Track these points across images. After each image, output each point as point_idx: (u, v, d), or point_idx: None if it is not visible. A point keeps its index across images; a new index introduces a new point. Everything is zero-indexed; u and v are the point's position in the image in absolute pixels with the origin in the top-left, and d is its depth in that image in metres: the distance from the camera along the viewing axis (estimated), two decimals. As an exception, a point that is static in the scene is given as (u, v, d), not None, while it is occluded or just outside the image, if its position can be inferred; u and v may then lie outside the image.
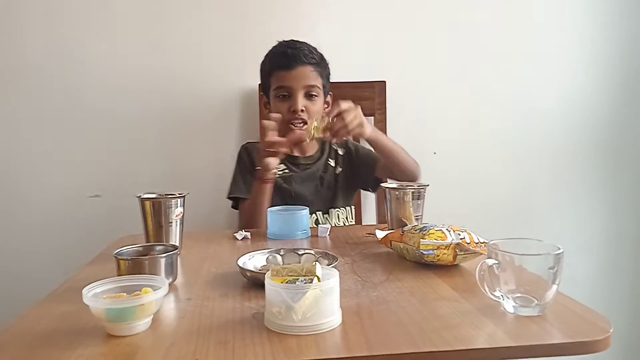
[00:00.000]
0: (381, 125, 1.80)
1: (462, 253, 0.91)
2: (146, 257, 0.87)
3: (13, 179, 1.75)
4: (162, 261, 0.86)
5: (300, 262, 0.93)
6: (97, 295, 0.70)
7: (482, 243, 0.93)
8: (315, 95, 1.49)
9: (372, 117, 1.81)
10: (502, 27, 1.88)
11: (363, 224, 1.75)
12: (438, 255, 0.91)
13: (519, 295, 0.71)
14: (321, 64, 1.51)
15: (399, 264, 0.98)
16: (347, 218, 1.58)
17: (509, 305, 0.72)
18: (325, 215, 1.54)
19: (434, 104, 1.88)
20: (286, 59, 1.47)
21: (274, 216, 1.25)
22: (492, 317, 0.70)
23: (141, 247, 0.93)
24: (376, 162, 1.55)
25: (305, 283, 0.69)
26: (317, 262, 0.76)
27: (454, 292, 0.81)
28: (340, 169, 1.58)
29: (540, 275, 0.71)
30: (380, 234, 1.08)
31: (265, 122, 1.34)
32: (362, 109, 1.77)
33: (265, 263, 0.95)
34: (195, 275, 0.94)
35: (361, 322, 0.70)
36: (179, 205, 1.08)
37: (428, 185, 1.18)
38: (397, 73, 1.83)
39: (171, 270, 0.88)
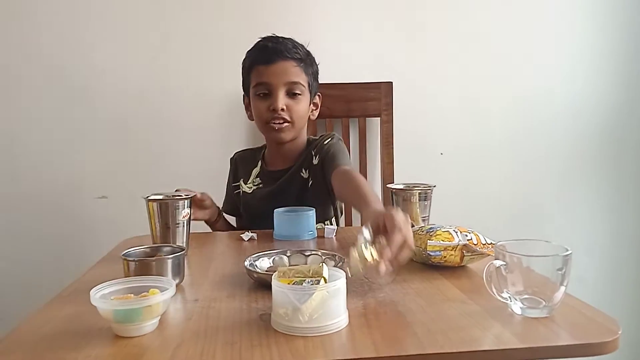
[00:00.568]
0: (388, 126, 1.80)
1: (470, 254, 0.91)
2: (153, 258, 0.87)
3: (19, 181, 1.76)
4: (169, 262, 0.86)
5: (306, 263, 0.93)
6: (104, 297, 0.70)
7: (489, 244, 0.93)
8: (299, 94, 1.35)
9: (379, 118, 1.81)
10: (510, 28, 1.87)
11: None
12: (445, 257, 0.91)
13: (526, 296, 0.71)
14: (306, 60, 1.37)
15: (405, 265, 0.96)
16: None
17: (516, 306, 0.72)
18: None
19: (441, 105, 1.87)
20: (266, 53, 1.34)
21: (280, 217, 1.25)
22: (499, 319, 0.70)
23: (148, 248, 0.93)
24: (331, 166, 1.30)
25: (312, 284, 0.69)
26: (323, 264, 0.76)
27: (461, 294, 0.81)
28: (311, 181, 1.39)
29: (548, 276, 0.71)
30: (386, 235, 1.07)
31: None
32: (368, 110, 1.80)
33: (271, 264, 0.95)
34: (202, 276, 0.94)
35: (368, 323, 0.70)
36: (185, 206, 1.09)
37: (435, 186, 1.18)
38: (404, 74, 1.83)
39: (178, 272, 0.88)
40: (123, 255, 0.87)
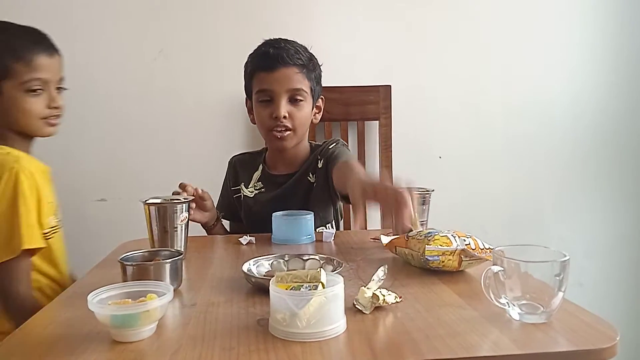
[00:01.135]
0: (386, 129, 1.80)
1: (468, 259, 0.91)
2: (151, 262, 0.87)
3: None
4: (167, 267, 0.86)
5: (304, 268, 0.93)
6: (102, 301, 0.70)
7: (487, 249, 0.93)
8: (301, 100, 1.34)
9: (377, 122, 1.81)
10: (509, 31, 1.88)
11: (368, 229, 1.75)
12: (443, 261, 0.91)
13: (524, 302, 0.71)
14: (309, 65, 1.35)
15: (403, 270, 0.98)
16: None
17: (514, 312, 0.72)
18: None
19: (439, 108, 1.87)
20: (268, 60, 1.32)
21: (278, 221, 1.25)
22: (497, 325, 0.70)
23: (146, 252, 0.93)
24: (333, 163, 1.31)
25: (309, 290, 0.68)
26: (321, 269, 0.76)
27: (459, 299, 0.81)
28: (315, 184, 1.39)
29: (546, 282, 0.71)
30: (385, 240, 1.07)
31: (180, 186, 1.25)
32: (367, 113, 1.80)
33: (269, 268, 0.95)
34: (200, 280, 0.94)
35: (366, 329, 0.70)
36: (184, 210, 1.08)
37: (433, 190, 1.18)
38: (403, 77, 1.84)
39: (176, 276, 0.88)
40: (120, 259, 0.86)
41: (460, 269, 0.92)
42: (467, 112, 1.89)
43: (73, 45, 1.72)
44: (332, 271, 0.87)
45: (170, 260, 0.87)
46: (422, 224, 1.15)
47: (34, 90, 1.20)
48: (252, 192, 1.46)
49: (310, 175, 1.40)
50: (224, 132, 1.81)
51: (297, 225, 1.23)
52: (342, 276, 0.74)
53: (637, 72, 1.93)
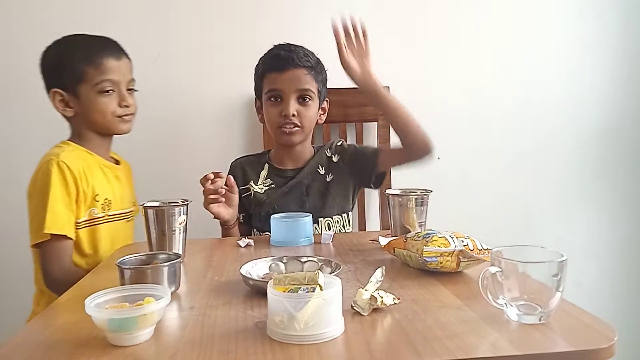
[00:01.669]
0: (385, 131, 1.80)
1: (466, 260, 0.91)
2: (149, 266, 0.87)
3: (15, 183, 1.75)
4: (165, 270, 0.86)
5: (303, 270, 0.93)
6: (99, 305, 0.70)
7: (485, 250, 0.93)
8: (309, 100, 1.43)
9: (376, 123, 1.81)
10: (505, 30, 1.87)
11: (367, 230, 1.75)
12: (441, 262, 0.91)
13: (522, 302, 0.71)
14: (316, 68, 1.45)
15: (402, 271, 0.98)
16: (344, 226, 1.51)
17: (512, 313, 0.72)
18: (314, 225, 1.43)
19: (437, 109, 1.87)
20: (279, 61, 1.42)
21: (277, 223, 1.25)
22: (495, 326, 0.70)
23: (144, 255, 0.93)
24: (377, 156, 1.47)
25: (307, 292, 0.68)
26: (319, 271, 0.76)
27: (457, 300, 0.81)
28: (332, 176, 1.50)
29: (544, 282, 0.71)
30: (383, 241, 1.07)
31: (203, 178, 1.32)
32: (365, 115, 1.80)
33: (268, 271, 0.95)
34: (199, 283, 0.94)
35: (364, 331, 0.70)
36: (182, 213, 1.08)
37: (431, 191, 1.18)
38: (400, 78, 1.83)
39: (174, 279, 0.88)
40: (118, 263, 0.86)
41: (458, 270, 0.92)
42: (465, 113, 1.89)
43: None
44: (330, 273, 0.87)
45: (168, 263, 0.87)
46: (420, 225, 1.15)
47: (106, 91, 1.32)
48: (262, 188, 1.50)
49: (320, 167, 1.50)
50: (223, 135, 1.81)
51: (295, 227, 1.23)
52: (340, 278, 0.74)
53: (635, 73, 1.92)
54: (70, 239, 1.25)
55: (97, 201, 1.31)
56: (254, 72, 1.50)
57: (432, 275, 0.93)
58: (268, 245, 1.24)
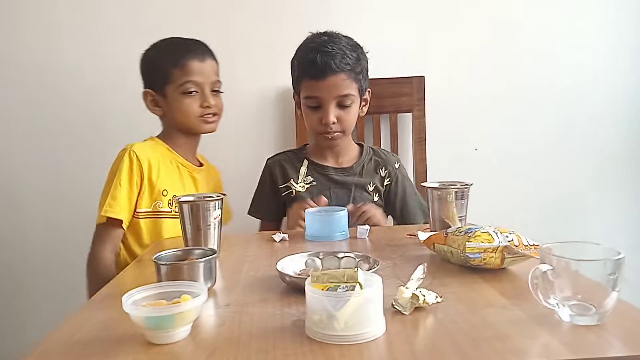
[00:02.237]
0: (420, 121, 1.76)
1: (511, 256, 0.87)
2: (185, 262, 0.86)
3: (56, 177, 1.78)
4: (201, 266, 0.85)
5: (339, 266, 0.91)
6: (136, 303, 0.69)
7: (531, 245, 0.89)
8: (350, 103, 1.38)
9: (411, 113, 1.77)
10: (547, 19, 1.80)
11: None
12: (485, 259, 0.87)
13: (575, 302, 0.67)
14: (356, 67, 1.36)
15: (442, 267, 0.94)
16: None
17: (564, 313, 0.67)
18: None
19: (474, 99, 1.82)
20: (315, 68, 1.33)
21: (312, 217, 1.23)
22: (546, 327, 0.66)
23: (180, 251, 0.92)
24: (410, 216, 1.49)
25: (347, 290, 0.66)
26: (358, 268, 0.73)
27: (503, 299, 0.77)
28: (377, 198, 1.47)
29: (598, 281, 0.66)
30: (422, 236, 1.04)
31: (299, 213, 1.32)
32: (400, 105, 1.76)
33: (304, 267, 0.93)
34: (234, 279, 0.93)
35: (406, 331, 0.67)
36: (217, 207, 1.07)
37: (472, 184, 1.13)
38: (436, 68, 1.79)
39: (210, 275, 0.86)
40: (154, 258, 0.86)
41: (502, 267, 0.88)
42: (503, 103, 1.83)
43: (73, 46, 1.75)
44: (368, 270, 0.85)
45: (204, 259, 0.86)
46: (460, 220, 1.11)
47: (189, 92, 1.37)
48: (304, 186, 1.46)
49: (369, 185, 1.47)
50: (255, 128, 1.80)
51: (330, 222, 1.21)
52: (379, 275, 0.71)
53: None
54: (122, 228, 1.30)
55: (165, 196, 1.34)
56: (290, 66, 1.45)
57: (475, 272, 0.89)
58: (303, 239, 1.21)
